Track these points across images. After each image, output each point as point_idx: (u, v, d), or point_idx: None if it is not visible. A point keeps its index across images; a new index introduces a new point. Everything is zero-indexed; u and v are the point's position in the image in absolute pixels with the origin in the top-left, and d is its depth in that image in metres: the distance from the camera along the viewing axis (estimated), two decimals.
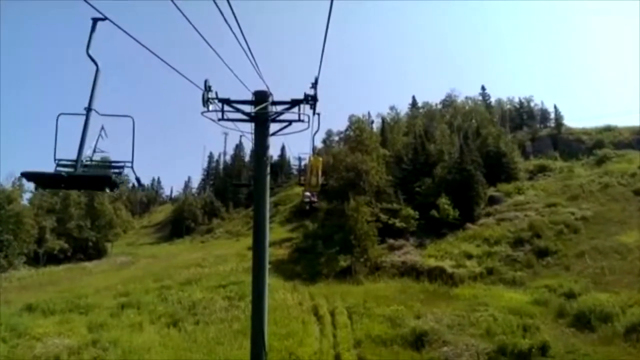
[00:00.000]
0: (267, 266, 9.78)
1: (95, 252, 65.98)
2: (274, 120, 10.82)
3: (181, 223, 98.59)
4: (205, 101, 9.55)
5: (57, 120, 5.17)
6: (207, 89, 9.51)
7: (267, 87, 10.14)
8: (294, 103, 10.37)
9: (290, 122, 10.58)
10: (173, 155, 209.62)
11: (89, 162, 5.22)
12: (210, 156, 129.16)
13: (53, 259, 59.42)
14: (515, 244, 42.38)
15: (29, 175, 4.77)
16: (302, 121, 10.53)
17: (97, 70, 5.05)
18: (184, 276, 39.43)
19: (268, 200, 10.34)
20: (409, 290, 35.30)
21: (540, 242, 41.47)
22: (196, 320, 26.76)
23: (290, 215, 79.15)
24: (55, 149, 5.08)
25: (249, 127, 10.35)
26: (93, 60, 5.01)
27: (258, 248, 9.54)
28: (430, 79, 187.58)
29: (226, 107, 9.86)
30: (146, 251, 76.57)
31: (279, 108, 10.46)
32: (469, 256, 41.24)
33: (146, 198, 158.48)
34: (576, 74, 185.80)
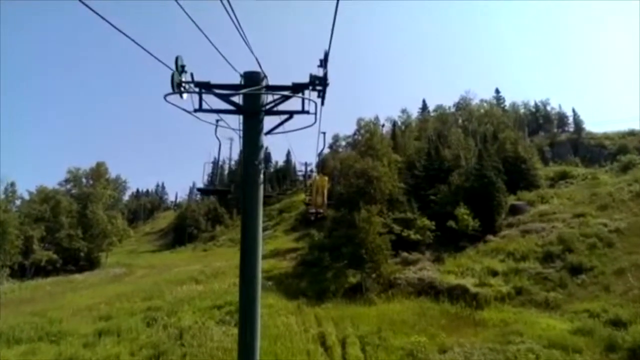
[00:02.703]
0: (259, 298, 7.54)
1: (88, 263, 62.23)
2: (270, 112, 8.48)
3: (184, 230, 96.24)
4: (177, 85, 7.38)
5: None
6: (179, 69, 7.38)
7: (261, 69, 7.91)
8: (296, 88, 8.12)
9: (290, 114, 8.41)
10: (178, 161, 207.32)
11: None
12: (214, 162, 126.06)
13: (42, 270, 55.81)
14: (545, 260, 38.11)
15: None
16: (307, 113, 8.25)
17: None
18: (177, 294, 35.57)
19: (261, 215, 8.15)
20: (428, 312, 31.23)
21: (572, 258, 37.12)
22: (183, 353, 22.81)
23: (296, 223, 75.82)
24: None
25: (237, 124, 8.21)
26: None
27: (247, 281, 7.31)
28: (439, 83, 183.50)
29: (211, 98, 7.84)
30: (145, 260, 73.22)
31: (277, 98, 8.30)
32: (494, 273, 37.06)
33: (150, 204, 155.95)
34: (594, 76, 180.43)
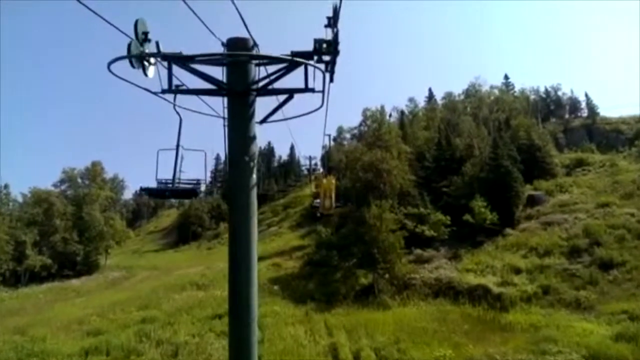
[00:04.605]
0: (256, 327, 6.29)
1: (85, 267, 59.79)
2: (262, 92, 6.66)
3: (187, 228, 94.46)
4: (139, 58, 5.84)
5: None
6: (140, 37, 5.80)
7: (250, 35, 6.13)
8: (296, 59, 6.23)
9: (290, 93, 6.65)
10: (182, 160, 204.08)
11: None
12: (217, 157, 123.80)
13: (37, 276, 53.57)
14: (571, 255, 35.40)
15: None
16: (312, 91, 6.46)
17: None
18: (175, 302, 33.11)
19: (255, 223, 6.50)
20: (449, 317, 28.63)
21: (601, 252, 34.38)
22: None
23: (301, 219, 73.15)
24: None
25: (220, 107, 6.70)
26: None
27: (238, 307, 6.21)
28: (442, 72, 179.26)
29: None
30: (148, 261, 71.10)
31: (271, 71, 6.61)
32: (517, 270, 34.41)
33: (153, 202, 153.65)
34: (605, 58, 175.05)
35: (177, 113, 6.68)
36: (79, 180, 68.02)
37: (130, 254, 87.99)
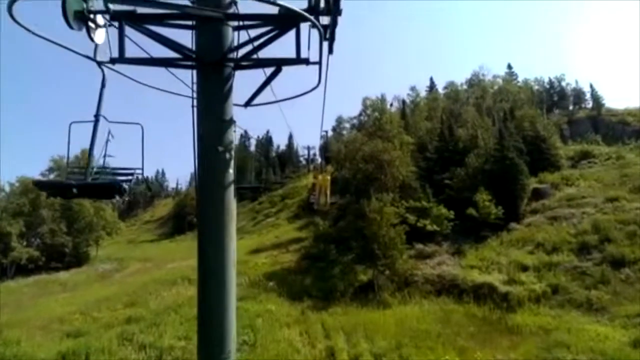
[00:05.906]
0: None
1: (75, 258, 58.08)
2: (242, 64, 5.50)
3: (183, 218, 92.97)
4: (75, 16, 4.62)
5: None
6: None
7: None
8: (289, 6, 4.93)
9: (278, 63, 5.52)
10: (179, 146, 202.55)
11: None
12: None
13: (24, 269, 51.88)
14: (581, 251, 33.73)
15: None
16: (306, 62, 5.39)
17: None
18: (164, 300, 31.41)
19: (233, 227, 5.38)
20: (453, 317, 27.05)
21: (612, 249, 32.77)
22: None
23: (299, 210, 71.53)
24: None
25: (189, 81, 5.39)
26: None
27: (207, 330, 5.49)
28: (444, 61, 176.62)
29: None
30: (142, 252, 69.55)
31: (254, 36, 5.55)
32: (523, 268, 32.74)
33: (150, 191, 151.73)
34: (610, 48, 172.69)
35: (101, 69, 4.94)
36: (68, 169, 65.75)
37: (125, 243, 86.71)
